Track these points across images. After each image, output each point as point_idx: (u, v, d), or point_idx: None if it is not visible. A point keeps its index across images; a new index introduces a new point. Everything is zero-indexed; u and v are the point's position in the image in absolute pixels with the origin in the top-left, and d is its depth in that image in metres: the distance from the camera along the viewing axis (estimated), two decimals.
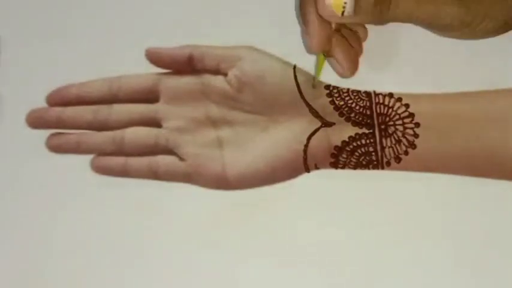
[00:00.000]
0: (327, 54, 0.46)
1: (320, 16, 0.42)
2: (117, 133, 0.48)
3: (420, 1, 0.41)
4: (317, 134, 0.47)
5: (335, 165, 0.47)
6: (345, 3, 0.39)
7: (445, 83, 0.47)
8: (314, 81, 0.46)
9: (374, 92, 0.48)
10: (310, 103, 0.47)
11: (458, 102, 0.46)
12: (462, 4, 0.42)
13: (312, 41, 0.42)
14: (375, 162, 0.46)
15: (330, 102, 0.47)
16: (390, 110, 0.47)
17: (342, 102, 0.47)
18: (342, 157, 0.47)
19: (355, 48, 0.44)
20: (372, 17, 0.41)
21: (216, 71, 0.49)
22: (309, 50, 0.43)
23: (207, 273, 0.45)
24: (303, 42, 0.46)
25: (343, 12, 0.40)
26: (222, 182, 0.47)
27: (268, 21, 0.50)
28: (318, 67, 0.45)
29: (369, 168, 0.47)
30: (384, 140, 0.47)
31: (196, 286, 0.45)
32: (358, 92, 0.48)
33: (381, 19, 0.41)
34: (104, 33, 0.51)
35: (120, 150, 0.48)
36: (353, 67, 0.44)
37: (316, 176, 0.47)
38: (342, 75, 0.45)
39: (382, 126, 0.47)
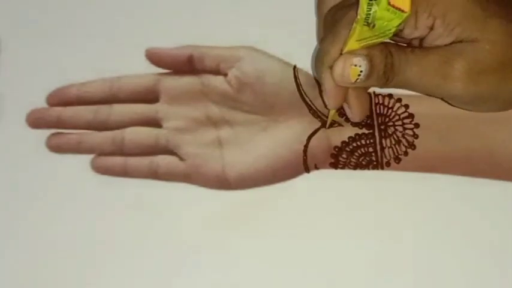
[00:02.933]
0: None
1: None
2: (117, 133, 0.48)
3: (424, 75, 0.41)
4: (317, 134, 0.47)
5: (335, 165, 0.47)
6: (361, 71, 0.40)
7: None
8: (326, 127, 0.47)
9: (374, 92, 0.48)
10: (310, 103, 0.47)
11: None
12: (468, 86, 0.41)
13: (329, 101, 0.43)
14: (375, 163, 0.46)
15: None
16: (390, 111, 0.47)
17: None
18: (341, 157, 0.47)
19: (366, 95, 0.44)
20: (378, 83, 0.42)
21: (216, 71, 0.49)
22: (327, 107, 0.44)
23: (207, 273, 0.45)
24: (322, 99, 0.46)
25: (356, 80, 0.41)
26: (222, 182, 0.47)
27: (268, 21, 0.50)
28: (330, 116, 0.46)
29: (368, 169, 0.47)
30: (383, 141, 0.47)
31: (196, 286, 0.45)
32: None
33: (386, 85, 0.42)
34: (104, 34, 0.51)
35: (120, 150, 0.48)
36: (363, 114, 0.44)
37: (316, 176, 0.47)
38: (352, 120, 0.45)
39: (382, 127, 0.47)
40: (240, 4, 0.51)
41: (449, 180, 0.46)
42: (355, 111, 0.44)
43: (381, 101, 0.47)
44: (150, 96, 0.49)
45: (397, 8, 0.38)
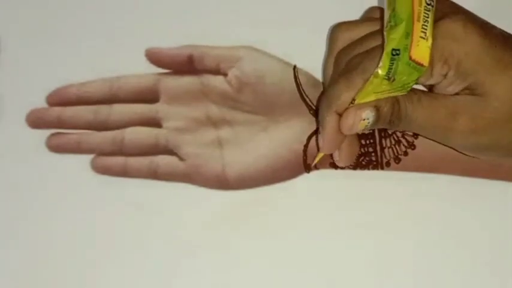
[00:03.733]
0: None
1: (338, 128, 0.42)
2: (117, 133, 0.48)
3: (429, 126, 0.41)
4: (317, 134, 0.47)
5: (335, 165, 0.47)
6: (369, 122, 0.41)
7: None
8: (308, 171, 0.47)
9: None
10: (310, 103, 0.47)
11: None
12: (470, 138, 0.41)
13: (324, 146, 0.43)
14: (375, 163, 0.46)
15: None
16: None
17: None
18: None
19: (357, 141, 0.45)
20: (383, 127, 0.42)
21: (216, 71, 0.49)
22: (321, 150, 0.44)
23: (207, 273, 0.45)
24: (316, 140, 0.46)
25: (364, 129, 0.41)
26: (222, 182, 0.47)
27: (268, 21, 0.50)
28: (317, 159, 0.46)
29: (368, 169, 0.47)
30: (383, 141, 0.47)
31: (196, 286, 0.45)
32: None
33: (390, 129, 0.43)
34: (104, 33, 0.51)
35: (120, 150, 0.48)
36: (351, 161, 0.45)
37: (316, 176, 0.47)
38: (337, 163, 0.45)
39: None
40: (240, 4, 0.51)
41: (449, 180, 0.46)
42: (344, 157, 0.44)
43: None
44: (150, 96, 0.49)
45: (417, 63, 0.38)
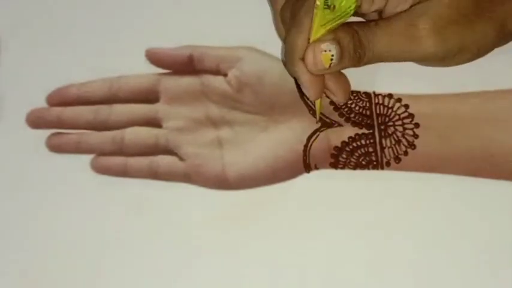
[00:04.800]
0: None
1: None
2: (117, 133, 0.48)
3: (393, 44, 0.43)
4: (317, 134, 0.47)
5: (335, 165, 0.47)
6: (332, 55, 0.42)
7: (445, 83, 0.47)
8: (316, 120, 0.47)
9: (374, 92, 0.48)
10: (310, 103, 0.47)
11: (458, 103, 0.47)
12: (437, 41, 0.43)
13: (309, 93, 0.44)
14: (375, 163, 0.46)
15: (330, 102, 0.47)
16: (390, 111, 0.47)
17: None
18: (341, 157, 0.47)
19: (343, 76, 0.45)
20: (352, 63, 0.43)
21: (216, 72, 0.49)
22: (310, 99, 0.45)
23: (207, 273, 0.45)
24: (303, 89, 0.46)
25: (330, 64, 0.42)
26: (222, 182, 0.47)
27: (268, 21, 0.50)
28: (317, 109, 0.46)
29: (368, 169, 0.47)
30: (383, 141, 0.47)
31: (196, 286, 0.45)
32: (358, 92, 0.48)
33: (360, 63, 0.43)
34: (104, 34, 0.51)
35: (120, 150, 0.48)
36: (346, 95, 0.45)
37: (316, 176, 0.47)
38: (337, 102, 0.46)
39: (382, 127, 0.47)
40: (240, 4, 0.51)
41: (449, 180, 0.46)
42: (339, 95, 0.45)
43: (380, 101, 0.47)
44: (150, 96, 0.49)
45: None
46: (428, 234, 0.45)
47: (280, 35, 0.48)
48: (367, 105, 0.47)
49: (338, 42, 0.42)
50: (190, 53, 0.49)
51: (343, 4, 0.40)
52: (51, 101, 0.49)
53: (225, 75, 0.49)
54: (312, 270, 0.45)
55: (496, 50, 0.47)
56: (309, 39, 0.42)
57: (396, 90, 0.47)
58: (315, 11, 0.40)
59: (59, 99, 0.49)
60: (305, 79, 0.43)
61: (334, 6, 0.40)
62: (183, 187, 0.47)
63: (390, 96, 0.47)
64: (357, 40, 0.42)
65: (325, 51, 0.41)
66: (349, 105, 0.47)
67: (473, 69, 0.47)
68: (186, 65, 0.49)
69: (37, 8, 0.51)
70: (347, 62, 0.42)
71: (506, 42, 0.45)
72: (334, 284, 0.45)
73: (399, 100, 0.47)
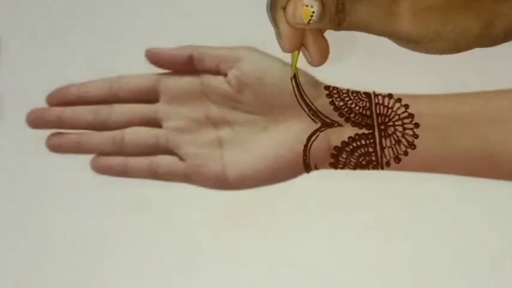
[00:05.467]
0: (301, 47, 0.47)
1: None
2: (117, 133, 0.48)
3: (373, 15, 0.44)
4: (317, 134, 0.47)
5: (335, 165, 0.47)
6: (313, 12, 0.42)
7: (445, 83, 0.47)
8: (291, 76, 0.47)
9: (373, 92, 0.48)
10: (310, 104, 0.47)
11: (458, 103, 0.47)
12: (414, 22, 0.44)
13: (284, 43, 0.45)
14: (375, 163, 0.46)
15: (330, 102, 0.47)
16: (390, 111, 0.47)
17: (341, 103, 0.47)
18: (341, 157, 0.47)
19: (323, 39, 0.46)
20: (332, 25, 0.44)
21: (216, 72, 0.49)
22: (283, 50, 0.46)
23: (207, 274, 0.45)
24: (278, 42, 0.47)
25: (309, 21, 0.43)
26: (222, 182, 0.47)
27: (268, 21, 0.50)
28: (293, 62, 0.46)
29: (368, 169, 0.47)
30: (383, 141, 0.47)
31: (196, 286, 0.45)
32: (358, 92, 0.48)
33: (340, 27, 0.44)
34: (104, 33, 0.51)
35: (120, 150, 0.48)
36: (323, 58, 0.46)
37: (316, 176, 0.47)
38: (312, 65, 0.47)
39: (382, 127, 0.47)
40: (240, 4, 0.51)
41: (450, 180, 0.46)
42: (314, 55, 0.45)
43: (380, 101, 0.47)
44: (150, 96, 0.49)
45: None
46: (428, 234, 0.45)
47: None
48: (367, 105, 0.47)
49: (321, 0, 0.42)
50: (190, 53, 0.49)
51: None
52: (51, 101, 0.49)
53: (225, 75, 0.49)
54: (311, 270, 0.45)
55: (496, 50, 0.47)
56: None
57: (396, 90, 0.47)
58: None
59: (59, 99, 0.49)
60: (283, 29, 0.44)
61: None
62: (183, 187, 0.47)
63: (390, 96, 0.47)
64: (341, 3, 0.43)
65: (307, 5, 0.42)
66: (349, 105, 0.47)
67: (473, 69, 0.47)
68: (186, 65, 0.49)
69: (37, 8, 0.51)
70: (327, 22, 0.43)
71: (493, 43, 0.46)
72: (334, 283, 0.45)
73: (399, 100, 0.47)
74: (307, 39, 0.45)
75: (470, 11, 0.44)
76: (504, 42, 0.46)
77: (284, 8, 0.43)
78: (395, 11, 0.44)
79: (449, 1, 0.43)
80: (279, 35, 0.44)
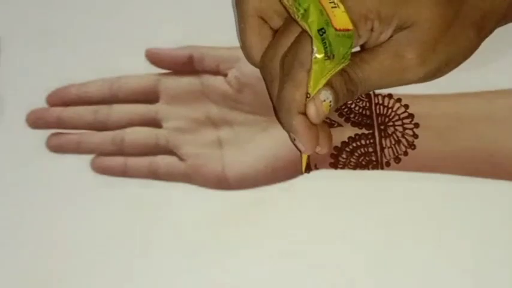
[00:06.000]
0: None
1: (309, 124, 0.43)
2: (117, 133, 0.48)
3: (383, 77, 0.43)
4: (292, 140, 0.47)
5: (335, 165, 0.47)
6: (330, 101, 0.42)
7: (445, 83, 0.47)
8: (302, 171, 0.47)
9: (373, 92, 0.48)
10: None
11: (458, 103, 0.47)
12: (424, 67, 0.43)
13: (307, 147, 0.43)
14: (375, 163, 0.46)
15: None
16: (390, 111, 0.47)
17: None
18: (341, 157, 0.47)
19: (325, 126, 0.45)
20: (347, 100, 0.44)
21: (216, 72, 0.49)
22: (306, 152, 0.45)
23: (207, 273, 0.45)
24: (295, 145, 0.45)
25: (329, 110, 0.42)
26: (222, 182, 0.47)
27: None
28: (304, 161, 0.46)
29: (368, 169, 0.47)
30: (383, 141, 0.47)
31: (196, 286, 0.45)
32: None
33: (353, 98, 0.44)
34: (104, 34, 0.51)
35: (120, 151, 0.48)
36: (331, 145, 0.45)
37: (316, 176, 0.47)
38: (321, 153, 0.45)
39: (382, 127, 0.47)
40: None
41: (450, 180, 0.46)
42: (324, 144, 0.44)
43: (380, 101, 0.47)
44: (150, 97, 0.49)
45: (344, 30, 0.40)
46: (428, 234, 0.45)
47: (248, 56, 0.47)
48: (367, 105, 0.47)
49: (332, 87, 0.42)
50: (190, 53, 0.49)
51: (341, 50, 0.40)
52: (51, 101, 0.49)
53: (225, 75, 0.49)
54: (311, 270, 0.45)
55: (496, 50, 0.47)
56: (307, 92, 0.42)
57: (396, 90, 0.47)
58: (313, 65, 0.40)
59: (59, 99, 0.49)
60: (304, 133, 0.43)
61: (333, 56, 0.40)
62: (183, 187, 0.47)
63: (390, 96, 0.47)
64: (348, 80, 0.43)
65: (324, 100, 0.42)
66: (349, 105, 0.47)
67: (473, 69, 0.47)
68: (186, 65, 0.49)
69: (37, 8, 0.51)
70: (342, 101, 0.43)
71: (483, 40, 0.46)
72: (334, 283, 0.45)
73: (399, 100, 0.47)
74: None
75: (464, 24, 0.44)
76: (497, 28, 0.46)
77: (301, 113, 0.42)
78: (404, 65, 0.43)
79: (445, 28, 0.43)
80: (299, 140, 0.43)
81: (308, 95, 0.42)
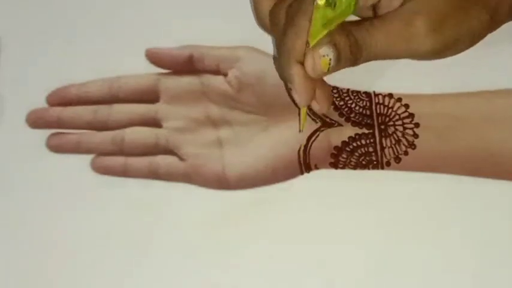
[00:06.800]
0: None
1: (306, 75, 0.42)
2: (117, 133, 0.48)
3: (390, 44, 0.43)
4: (317, 134, 0.47)
5: (335, 165, 0.47)
6: (330, 59, 0.41)
7: (445, 83, 0.47)
8: (300, 129, 0.47)
9: (374, 92, 0.48)
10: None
11: (458, 103, 0.47)
12: (433, 38, 0.43)
13: (301, 97, 0.43)
14: (375, 163, 0.46)
15: None
16: (390, 110, 0.47)
17: (341, 103, 0.47)
18: (341, 157, 0.47)
19: (326, 85, 0.45)
20: (349, 64, 0.43)
21: (216, 71, 0.49)
22: (299, 105, 0.44)
23: (207, 273, 0.45)
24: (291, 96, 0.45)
25: (328, 68, 0.42)
26: (222, 182, 0.47)
27: None
28: (303, 118, 0.46)
29: (368, 169, 0.47)
30: (383, 140, 0.47)
31: (196, 286, 0.45)
32: (358, 92, 0.48)
33: (357, 63, 0.43)
34: (103, 33, 0.51)
35: (120, 150, 0.48)
36: (329, 103, 0.45)
37: (316, 176, 0.47)
38: (319, 112, 0.46)
39: (382, 127, 0.47)
40: (240, 4, 0.51)
41: (450, 180, 0.46)
42: (322, 102, 0.44)
43: (380, 101, 0.47)
44: (150, 96, 0.49)
45: None
46: (428, 234, 0.45)
47: (263, 26, 0.47)
48: (368, 104, 0.47)
49: (335, 45, 0.41)
50: (190, 53, 0.49)
51: (344, 1, 0.39)
52: (51, 101, 0.49)
53: (225, 75, 0.49)
54: (311, 270, 0.45)
55: (496, 50, 0.47)
56: (307, 41, 0.41)
57: (396, 90, 0.47)
58: (314, 12, 0.40)
59: (59, 99, 0.49)
60: (300, 83, 0.42)
61: (335, 4, 0.39)
62: (183, 187, 0.47)
63: (390, 96, 0.47)
64: (353, 42, 0.42)
65: (324, 56, 0.41)
66: (349, 105, 0.47)
67: (473, 69, 0.47)
68: (186, 65, 0.49)
69: (37, 8, 0.51)
70: (343, 63, 0.42)
71: (498, 26, 0.46)
72: (333, 284, 0.45)
73: (399, 100, 0.47)
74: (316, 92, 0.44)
75: (477, 4, 0.43)
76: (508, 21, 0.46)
77: (299, 62, 0.42)
78: (413, 32, 0.42)
79: (458, 5, 0.43)
80: (294, 89, 0.43)
81: (308, 44, 0.41)
